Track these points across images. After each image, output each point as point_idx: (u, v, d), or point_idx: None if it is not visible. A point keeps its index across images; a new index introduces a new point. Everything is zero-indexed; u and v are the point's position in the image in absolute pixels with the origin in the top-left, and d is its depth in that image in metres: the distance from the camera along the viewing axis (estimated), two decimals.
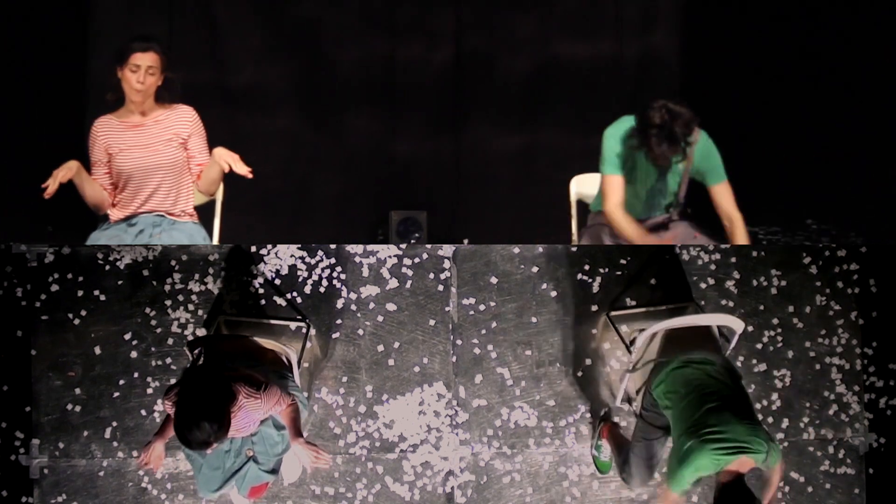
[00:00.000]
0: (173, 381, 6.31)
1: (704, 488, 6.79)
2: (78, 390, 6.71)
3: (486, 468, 6.79)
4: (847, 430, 6.96)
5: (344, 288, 6.86)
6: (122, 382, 6.71)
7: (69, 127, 7.77)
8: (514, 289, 6.89)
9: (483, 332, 6.86)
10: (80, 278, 6.76)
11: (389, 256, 6.87)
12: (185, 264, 6.80)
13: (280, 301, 6.83)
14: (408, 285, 6.88)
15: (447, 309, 6.88)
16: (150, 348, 6.75)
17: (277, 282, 6.84)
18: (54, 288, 6.75)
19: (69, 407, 6.70)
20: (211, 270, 6.80)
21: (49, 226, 7.77)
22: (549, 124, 8.45)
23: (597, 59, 8.44)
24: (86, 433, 6.70)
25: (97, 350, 6.72)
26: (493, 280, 6.88)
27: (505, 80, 8.49)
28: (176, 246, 6.70)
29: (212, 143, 6.27)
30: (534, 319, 6.88)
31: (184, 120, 6.23)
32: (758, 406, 6.85)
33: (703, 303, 6.91)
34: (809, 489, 6.91)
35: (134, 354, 6.74)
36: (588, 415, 6.85)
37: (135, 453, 6.65)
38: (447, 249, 6.91)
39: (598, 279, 6.92)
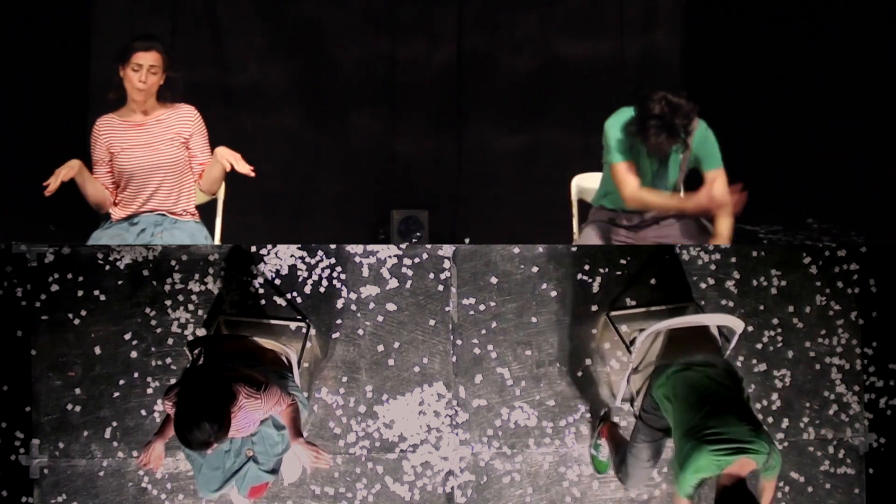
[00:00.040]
0: (173, 381, 6.32)
1: (706, 489, 6.80)
2: (78, 390, 6.72)
3: (486, 468, 6.79)
4: (847, 430, 6.95)
5: (344, 288, 6.86)
6: (122, 382, 6.72)
7: (71, 126, 7.79)
8: (514, 289, 6.89)
9: (483, 332, 6.86)
10: (80, 278, 6.76)
11: (389, 256, 6.87)
12: (185, 264, 6.80)
13: (280, 301, 6.83)
14: (408, 285, 6.88)
15: (447, 309, 6.88)
16: (150, 348, 6.75)
17: (277, 282, 6.84)
18: (54, 288, 6.75)
19: (69, 407, 6.70)
20: (211, 270, 6.80)
21: (51, 225, 7.79)
22: (551, 124, 8.46)
23: (598, 58, 8.44)
24: (86, 433, 6.70)
25: (97, 350, 6.73)
26: (493, 280, 6.88)
27: (506, 80, 8.49)
28: (176, 246, 6.70)
29: (213, 142, 6.29)
30: (534, 319, 6.88)
31: (186, 119, 6.24)
32: (758, 406, 6.86)
33: (703, 303, 6.90)
34: (809, 489, 6.91)
35: (134, 354, 6.74)
36: (588, 415, 6.85)
37: (135, 453, 6.65)
38: (447, 249, 6.91)
39: (598, 279, 6.92)
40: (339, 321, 6.84)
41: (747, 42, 8.45)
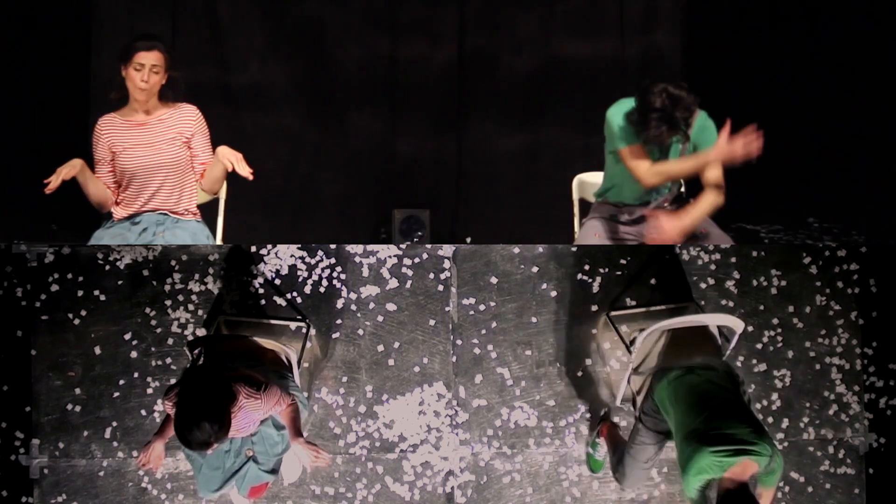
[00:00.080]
0: (173, 381, 6.32)
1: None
2: (78, 390, 6.72)
3: (486, 468, 6.79)
4: (847, 430, 6.95)
5: (344, 288, 6.86)
6: (122, 382, 6.72)
7: (73, 125, 7.81)
8: (514, 289, 6.89)
9: (483, 332, 6.86)
10: (80, 278, 6.77)
11: (389, 256, 6.87)
12: (185, 264, 6.80)
13: (280, 301, 6.83)
14: (408, 285, 6.88)
15: (447, 309, 6.88)
16: (150, 348, 6.75)
17: (277, 282, 6.84)
18: (54, 288, 6.75)
19: (69, 407, 6.70)
20: (211, 270, 6.80)
21: (53, 224, 7.79)
22: (552, 123, 8.47)
23: (598, 58, 8.46)
24: (86, 433, 6.70)
25: (97, 350, 6.73)
26: (493, 280, 6.88)
27: (507, 80, 8.50)
28: (176, 246, 6.70)
29: (215, 141, 6.30)
30: (534, 319, 6.88)
31: (187, 119, 6.25)
32: (758, 406, 6.86)
33: (703, 303, 6.90)
34: (809, 489, 6.91)
35: (134, 354, 6.74)
36: (588, 415, 6.85)
37: (135, 453, 6.66)
38: (447, 249, 6.91)
39: (598, 279, 6.92)
40: (339, 321, 6.84)
41: (748, 42, 8.45)
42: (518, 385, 6.83)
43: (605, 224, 6.36)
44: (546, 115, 8.48)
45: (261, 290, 6.83)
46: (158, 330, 6.76)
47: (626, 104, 5.90)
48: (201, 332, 6.76)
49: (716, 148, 5.71)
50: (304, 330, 6.68)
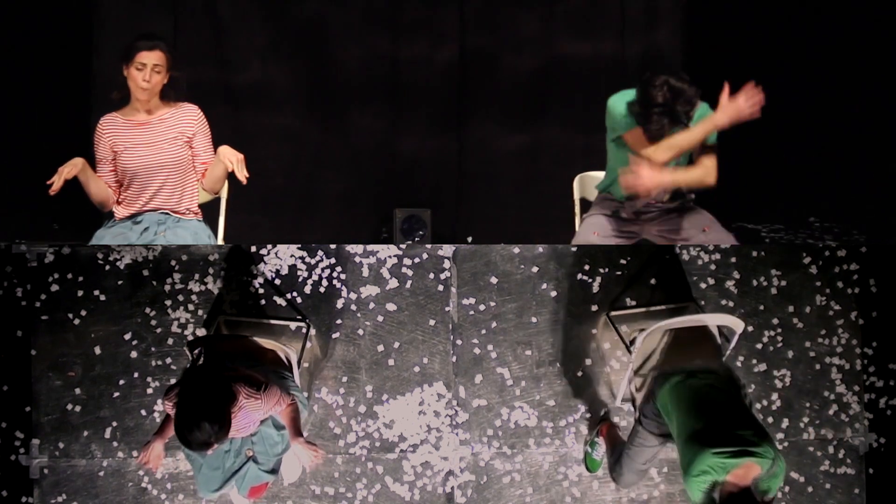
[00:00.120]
0: (173, 381, 6.33)
1: None
2: (78, 390, 6.72)
3: (486, 468, 6.79)
4: (847, 430, 6.95)
5: (344, 288, 6.86)
6: (122, 382, 6.72)
7: (74, 125, 7.81)
8: (514, 289, 6.89)
9: (483, 332, 6.86)
10: (80, 278, 6.77)
11: (389, 256, 6.87)
12: (185, 264, 6.80)
13: (280, 301, 6.83)
14: (408, 285, 6.88)
15: (447, 309, 6.88)
16: (150, 348, 6.75)
17: (277, 282, 6.84)
18: (54, 288, 6.75)
19: (69, 407, 6.71)
20: (211, 270, 6.80)
21: (55, 223, 7.80)
22: (553, 122, 8.47)
23: (599, 58, 8.46)
24: (86, 433, 6.71)
25: (97, 350, 6.73)
26: (493, 280, 6.88)
27: (508, 79, 8.50)
28: (176, 246, 6.70)
29: (216, 141, 6.31)
30: (534, 319, 6.88)
31: (189, 118, 6.26)
32: (758, 406, 6.85)
33: (703, 303, 6.90)
34: (809, 489, 6.91)
35: (134, 354, 6.74)
36: (588, 415, 6.85)
37: (135, 453, 6.66)
38: (447, 249, 6.91)
39: (598, 279, 6.91)
40: (339, 321, 6.84)
41: (749, 41, 8.45)
42: (518, 385, 6.83)
43: (605, 221, 6.35)
44: (547, 115, 8.48)
45: (261, 290, 6.83)
46: (158, 330, 6.76)
47: (627, 94, 5.89)
48: (201, 332, 6.76)
49: (721, 109, 5.69)
50: (304, 330, 6.68)
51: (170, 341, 6.76)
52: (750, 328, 6.89)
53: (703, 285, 6.94)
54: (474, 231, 8.15)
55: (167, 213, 6.30)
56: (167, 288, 6.78)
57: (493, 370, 6.84)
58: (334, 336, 6.83)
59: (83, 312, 6.76)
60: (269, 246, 6.87)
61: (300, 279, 6.85)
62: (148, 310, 6.77)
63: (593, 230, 6.35)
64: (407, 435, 6.80)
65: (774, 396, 6.89)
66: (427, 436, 6.80)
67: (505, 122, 8.48)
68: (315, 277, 6.85)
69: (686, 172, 5.90)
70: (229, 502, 6.48)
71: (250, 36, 8.36)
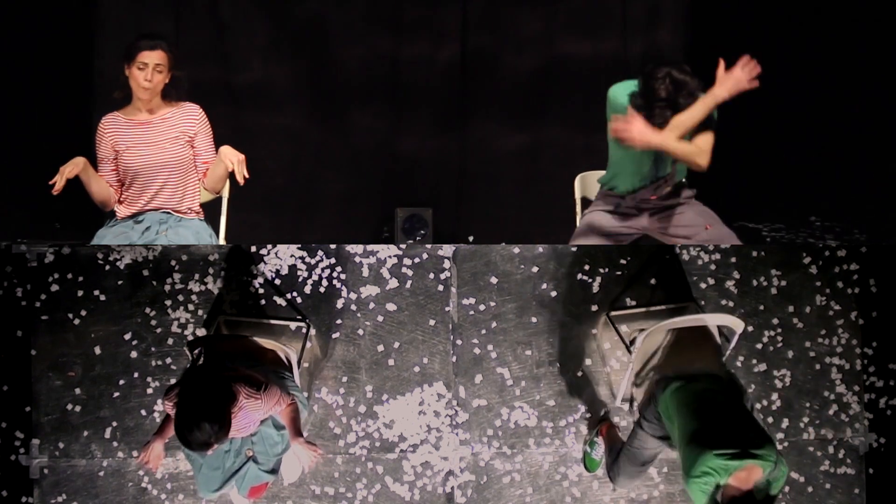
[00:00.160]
0: (173, 381, 6.34)
1: None
2: (78, 390, 6.73)
3: (486, 468, 6.80)
4: (847, 430, 6.95)
5: (344, 288, 6.86)
6: (122, 382, 6.73)
7: (76, 124, 7.81)
8: (514, 289, 6.89)
9: (483, 332, 6.86)
10: (80, 278, 6.77)
11: (389, 256, 6.87)
12: (185, 264, 6.80)
13: (280, 301, 6.83)
14: (408, 285, 6.88)
15: (447, 309, 6.88)
16: (150, 348, 6.75)
17: (277, 282, 6.84)
18: (54, 288, 6.76)
19: (69, 407, 6.71)
20: (211, 270, 6.80)
21: (56, 223, 7.80)
22: (554, 122, 8.47)
23: (601, 57, 8.45)
24: (86, 433, 6.71)
25: (97, 350, 6.73)
26: (493, 280, 6.88)
27: (509, 79, 8.50)
28: (176, 246, 6.70)
29: (218, 140, 6.32)
30: (534, 319, 6.88)
31: (190, 118, 6.26)
32: (758, 406, 6.85)
33: (703, 303, 6.90)
34: (809, 489, 6.90)
35: (134, 354, 6.75)
36: (588, 415, 6.85)
37: (135, 453, 6.66)
38: (447, 249, 6.91)
39: (598, 279, 6.91)
40: (339, 321, 6.84)
41: (750, 40, 8.44)
42: (518, 385, 6.83)
43: (606, 217, 6.34)
44: (548, 115, 8.48)
45: (261, 290, 6.83)
46: (158, 330, 6.76)
47: (628, 84, 5.89)
48: (201, 332, 6.76)
49: (719, 82, 5.73)
50: (304, 330, 6.68)
51: (170, 341, 6.76)
52: (750, 328, 6.89)
53: (703, 285, 6.94)
54: (475, 230, 8.16)
55: (169, 213, 6.31)
56: (167, 288, 6.79)
57: (493, 370, 6.84)
58: (334, 336, 6.83)
59: (83, 312, 6.76)
60: (269, 246, 6.87)
61: (300, 279, 6.85)
62: (148, 310, 6.78)
63: (593, 228, 6.35)
64: (407, 435, 6.80)
65: (774, 396, 6.89)
66: (427, 436, 6.80)
67: (506, 122, 8.48)
68: (315, 277, 6.85)
69: (678, 142, 5.85)
70: (229, 502, 6.49)
71: (251, 35, 8.36)
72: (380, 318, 6.85)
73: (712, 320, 5.99)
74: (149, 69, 6.03)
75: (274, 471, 5.64)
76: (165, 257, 6.78)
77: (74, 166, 5.92)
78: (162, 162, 6.19)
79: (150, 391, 6.72)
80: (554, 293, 6.89)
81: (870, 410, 6.98)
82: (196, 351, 5.90)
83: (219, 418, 4.79)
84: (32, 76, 8.08)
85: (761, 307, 6.96)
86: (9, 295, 6.78)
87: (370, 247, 6.88)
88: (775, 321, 6.94)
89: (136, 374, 6.73)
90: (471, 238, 7.97)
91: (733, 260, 6.96)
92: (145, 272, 6.77)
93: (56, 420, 6.71)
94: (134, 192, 6.26)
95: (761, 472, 4.92)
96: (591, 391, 6.86)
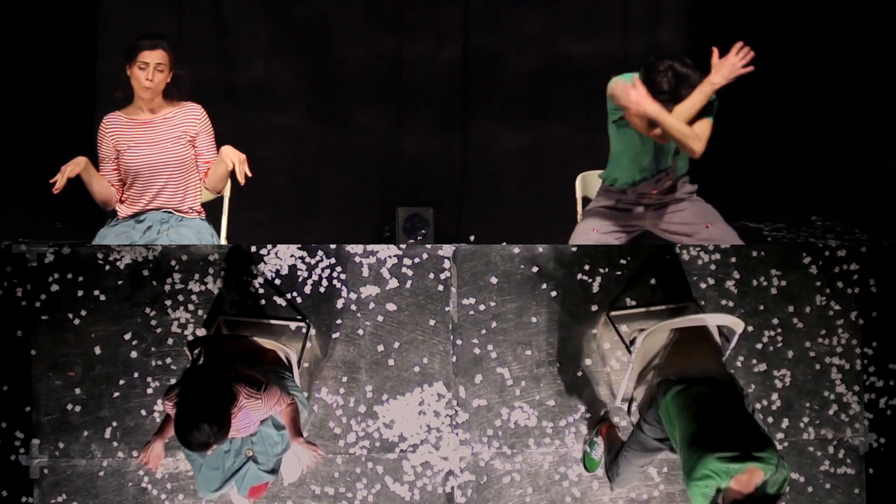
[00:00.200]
0: (173, 381, 6.35)
1: None
2: (78, 390, 6.72)
3: (486, 468, 6.79)
4: (847, 430, 6.94)
5: (344, 288, 6.86)
6: (122, 382, 6.72)
7: (78, 124, 7.83)
8: (514, 289, 6.89)
9: (483, 332, 6.86)
10: (80, 278, 6.76)
11: (389, 256, 6.87)
12: (185, 264, 6.80)
13: (280, 301, 6.83)
14: (408, 285, 6.88)
15: (447, 309, 6.88)
16: (150, 348, 6.75)
17: (277, 282, 6.84)
18: (54, 288, 6.75)
19: (69, 407, 6.71)
20: (211, 270, 6.80)
21: (58, 222, 7.81)
22: (555, 121, 8.50)
23: (603, 56, 8.48)
24: (86, 433, 6.70)
25: (97, 350, 6.73)
26: (493, 280, 6.87)
27: (511, 78, 8.54)
28: (176, 246, 6.70)
29: (220, 140, 6.35)
30: (534, 319, 6.88)
31: (192, 117, 6.29)
32: (758, 406, 6.85)
33: (703, 303, 6.89)
34: (809, 489, 6.90)
35: (134, 354, 6.74)
36: (588, 415, 6.84)
37: (135, 453, 6.66)
38: (447, 249, 6.90)
39: (598, 279, 6.91)
40: (339, 321, 6.84)
41: (751, 40, 8.44)
42: (518, 385, 6.83)
43: (606, 215, 6.35)
44: (550, 114, 8.51)
45: (261, 290, 6.83)
46: (158, 330, 6.76)
47: (629, 76, 5.88)
48: (201, 332, 6.76)
49: (714, 69, 5.81)
50: (304, 330, 6.68)
51: (170, 341, 6.76)
52: (750, 328, 6.88)
53: (703, 285, 6.94)
54: (477, 229, 8.17)
55: (170, 212, 6.33)
56: (167, 288, 6.78)
57: (493, 370, 6.83)
58: (334, 336, 6.83)
59: (83, 312, 6.75)
60: (269, 246, 6.87)
61: (300, 279, 6.85)
62: (148, 310, 6.77)
63: (593, 226, 6.36)
64: (407, 435, 6.79)
65: (774, 396, 6.88)
66: (427, 436, 6.80)
67: (507, 121, 8.52)
68: (315, 277, 6.85)
69: (676, 120, 5.83)
70: (229, 502, 6.49)
71: (253, 35, 8.39)
72: (380, 318, 6.85)
73: (712, 320, 5.99)
74: (150, 69, 6.05)
75: (274, 471, 5.64)
76: (165, 257, 6.78)
77: (76, 166, 5.94)
78: (163, 161, 6.21)
79: (150, 391, 6.72)
80: (554, 293, 6.89)
81: (870, 410, 6.97)
82: (196, 351, 5.91)
83: (219, 418, 4.80)
84: (34, 76, 8.10)
85: (761, 307, 6.95)
86: (9, 295, 6.77)
87: (370, 247, 6.88)
88: (775, 321, 6.93)
89: (136, 374, 6.73)
90: (472, 238, 7.97)
91: (733, 260, 6.96)
92: (145, 272, 6.77)
93: (56, 420, 6.71)
94: (135, 192, 6.28)
95: (762, 475, 4.90)
96: (591, 391, 6.86)
